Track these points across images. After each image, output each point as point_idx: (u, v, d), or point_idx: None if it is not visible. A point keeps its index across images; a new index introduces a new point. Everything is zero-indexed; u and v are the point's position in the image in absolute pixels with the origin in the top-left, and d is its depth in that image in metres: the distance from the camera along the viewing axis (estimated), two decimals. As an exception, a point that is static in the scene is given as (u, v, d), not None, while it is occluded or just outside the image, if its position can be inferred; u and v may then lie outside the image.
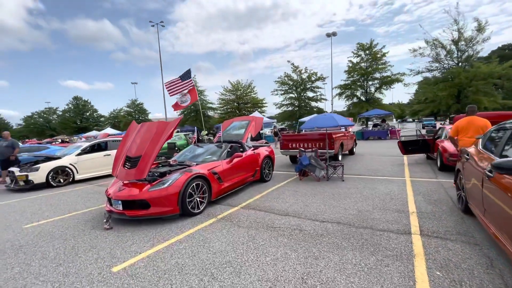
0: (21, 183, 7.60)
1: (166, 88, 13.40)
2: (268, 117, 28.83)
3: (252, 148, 6.85)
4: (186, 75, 13.23)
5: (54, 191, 7.50)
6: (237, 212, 4.61)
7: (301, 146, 9.13)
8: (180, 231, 3.86)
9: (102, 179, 9.12)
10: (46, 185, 7.86)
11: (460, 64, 21.34)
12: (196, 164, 5.23)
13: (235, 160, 5.79)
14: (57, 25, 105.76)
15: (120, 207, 4.18)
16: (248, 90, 37.04)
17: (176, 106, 14.64)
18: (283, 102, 31.95)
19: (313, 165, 6.73)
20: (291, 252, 3.02)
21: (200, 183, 4.65)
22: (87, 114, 53.07)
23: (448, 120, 25.76)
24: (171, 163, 5.26)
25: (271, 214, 4.42)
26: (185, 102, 13.86)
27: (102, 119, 53.72)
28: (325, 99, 29.87)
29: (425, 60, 22.99)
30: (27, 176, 7.55)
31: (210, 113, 40.34)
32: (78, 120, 51.44)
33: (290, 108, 32.17)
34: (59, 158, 8.38)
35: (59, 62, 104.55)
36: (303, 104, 30.41)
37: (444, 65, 22.01)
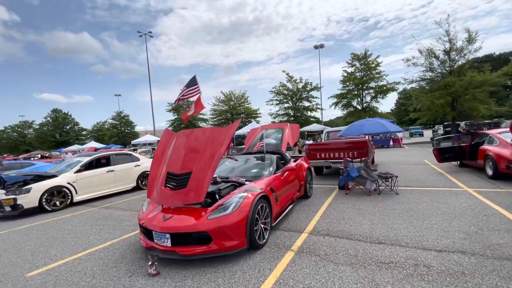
0: (7, 208, 6.18)
1: (174, 103, 12.41)
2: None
3: (293, 160, 5.95)
4: (192, 82, 12.34)
5: (50, 217, 6.14)
6: (310, 241, 3.64)
7: (330, 156, 8.36)
8: (259, 274, 2.84)
9: (103, 199, 7.79)
10: (38, 210, 6.47)
11: (452, 73, 21.87)
12: (246, 181, 4.25)
13: (286, 174, 4.87)
14: (33, 37, 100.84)
15: (168, 243, 3.10)
16: (242, 100, 36.34)
17: (183, 115, 13.62)
18: (278, 112, 31.49)
19: (363, 177, 5.92)
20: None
21: (264, 204, 3.68)
22: (68, 127, 49.88)
23: (442, 128, 26.24)
24: (217, 179, 4.24)
25: (359, 241, 3.50)
26: (191, 111, 12.86)
27: (84, 132, 50.67)
28: (322, 109, 29.79)
29: (419, 69, 23.47)
30: (15, 199, 6.15)
31: (202, 124, 39.09)
32: (57, 134, 48.13)
33: (285, 118, 31.69)
34: (53, 176, 7.02)
35: (34, 74, 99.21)
36: (298, 114, 30.06)
37: (437, 74, 22.49)
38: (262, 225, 3.57)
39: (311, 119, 30.28)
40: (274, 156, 5.24)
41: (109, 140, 44.30)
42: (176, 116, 37.82)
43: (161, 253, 3.15)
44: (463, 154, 8.24)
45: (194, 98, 12.52)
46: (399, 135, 20.45)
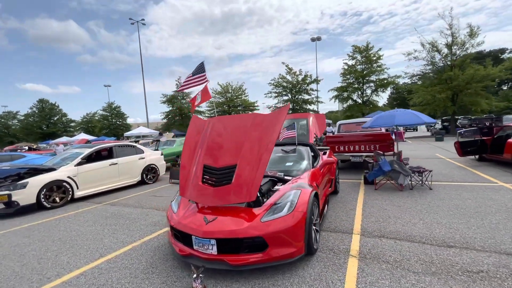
0: (0, 205, 5.48)
1: (178, 89, 11.72)
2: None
3: (323, 153, 5.48)
4: (199, 69, 11.57)
5: (50, 215, 5.49)
6: (367, 244, 3.19)
7: (349, 149, 7.95)
8: None
9: (106, 195, 7.14)
10: (36, 207, 5.79)
11: (453, 67, 21.80)
12: (285, 175, 3.75)
13: (324, 167, 4.39)
14: (15, 24, 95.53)
15: (214, 250, 2.57)
16: (239, 92, 35.49)
17: (192, 105, 12.85)
18: (277, 105, 30.89)
19: (396, 171, 5.51)
20: None
21: (316, 203, 3.19)
22: (55, 118, 47.73)
23: (440, 122, 26.37)
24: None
25: (424, 244, 3.08)
26: (197, 100, 12.15)
27: (72, 124, 48.68)
28: (321, 102, 29.42)
29: (419, 63, 23.37)
30: (9, 196, 5.45)
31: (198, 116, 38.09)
32: (44, 125, 46.03)
33: (283, 111, 31.18)
34: (51, 169, 6.31)
35: (17, 63, 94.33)
36: (297, 107, 29.58)
37: (439, 68, 22.39)
38: (313, 227, 3.09)
39: (311, 112, 29.89)
40: (308, 148, 4.73)
41: (100, 132, 42.70)
42: (170, 108, 36.67)
43: (203, 262, 2.62)
44: (485, 148, 7.98)
45: (201, 87, 11.86)
46: (400, 129, 20.33)
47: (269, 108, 32.34)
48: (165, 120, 38.63)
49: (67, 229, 4.49)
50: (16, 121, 49.18)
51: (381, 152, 5.97)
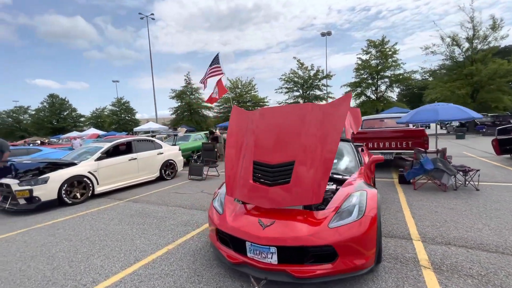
0: (22, 201, 5.27)
1: (200, 82, 11.42)
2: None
3: (360, 149, 5.09)
4: (214, 61, 11.20)
5: (72, 211, 5.25)
6: (435, 252, 2.82)
7: (379, 145, 7.53)
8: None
9: (126, 191, 6.90)
10: (58, 203, 5.57)
11: (473, 62, 20.94)
12: (334, 174, 3.38)
13: (372, 166, 4.01)
14: (25, 20, 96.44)
15: (274, 259, 2.24)
16: (249, 88, 35.03)
17: (209, 99, 12.52)
18: (287, 101, 30.38)
19: (440, 170, 5.10)
20: None
21: (378, 206, 2.82)
22: (65, 113, 48.13)
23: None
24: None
25: (505, 255, 2.69)
26: (216, 94, 11.82)
27: (82, 119, 49.03)
28: (333, 98, 28.69)
29: (437, 58, 22.53)
30: (31, 191, 5.22)
31: (206, 112, 37.87)
32: (54, 120, 46.46)
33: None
34: (72, 163, 6.07)
35: (27, 59, 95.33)
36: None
37: (459, 63, 21.54)
38: (375, 232, 2.73)
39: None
40: (351, 144, 4.36)
41: (109, 127, 42.92)
42: (179, 104, 36.48)
43: (259, 272, 2.30)
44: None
45: (216, 78, 11.53)
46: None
47: (279, 104, 31.86)
48: (173, 116, 38.52)
49: (93, 228, 4.23)
50: (27, 115, 49.81)
51: (423, 149, 5.55)
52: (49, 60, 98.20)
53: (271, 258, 2.26)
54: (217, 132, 13.47)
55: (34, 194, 5.25)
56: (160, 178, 8.05)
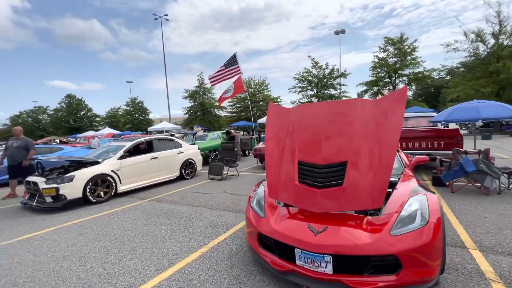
0: (48, 199, 5.27)
1: (210, 80, 11.31)
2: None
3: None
4: (232, 61, 11.07)
5: (97, 210, 5.21)
6: (500, 264, 2.54)
7: (409, 145, 7.17)
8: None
9: (147, 190, 6.85)
10: (83, 202, 5.56)
11: (499, 59, 19.94)
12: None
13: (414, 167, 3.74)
14: (43, 24, 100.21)
15: (329, 269, 2.04)
16: (262, 87, 34.85)
17: (220, 99, 12.50)
18: (301, 100, 29.97)
19: (482, 172, 4.74)
20: None
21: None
22: (81, 113, 49.47)
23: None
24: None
25: None
26: (229, 92, 11.72)
27: (97, 118, 50.25)
28: (348, 97, 28.09)
29: (460, 55, 21.60)
30: (57, 189, 5.22)
31: (218, 112, 37.94)
32: (71, 119, 47.83)
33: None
34: (95, 162, 6.06)
35: (45, 61, 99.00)
36: (322, 102, 28.40)
37: (483, 60, 20.58)
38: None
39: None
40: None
41: (123, 126, 43.72)
42: (192, 104, 36.72)
43: (311, 282, 2.11)
44: None
45: (234, 79, 11.41)
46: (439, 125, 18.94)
47: (292, 104, 31.50)
48: (186, 116, 38.82)
49: (120, 228, 4.15)
50: (46, 115, 51.52)
51: (463, 150, 5.19)
52: (66, 62, 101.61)
53: (325, 267, 2.05)
54: (234, 132, 13.35)
55: (60, 192, 5.24)
56: (180, 178, 7.98)
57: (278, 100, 35.08)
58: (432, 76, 24.03)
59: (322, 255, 2.06)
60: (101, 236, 3.84)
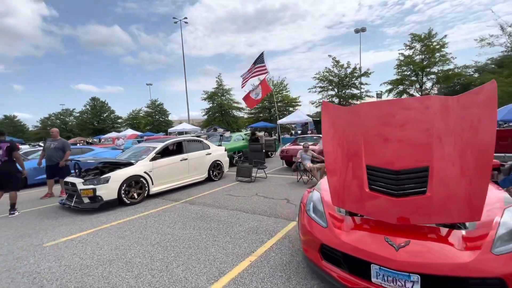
0: (86, 200, 5.33)
1: (242, 80, 11.27)
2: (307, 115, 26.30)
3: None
4: (259, 60, 10.93)
5: (132, 212, 5.20)
6: None
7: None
8: None
9: (176, 192, 6.80)
10: (117, 203, 5.58)
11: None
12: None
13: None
14: (69, 31, 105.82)
15: (416, 290, 1.78)
16: (280, 87, 34.57)
17: (248, 101, 12.30)
18: (320, 100, 29.34)
19: (551, 177, 4.23)
20: None
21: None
22: (104, 115, 51.44)
23: None
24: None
25: None
26: (258, 95, 11.58)
27: (119, 120, 52.05)
28: (372, 96, 27.17)
29: (495, 50, 20.20)
30: (94, 190, 5.27)
31: (237, 113, 38.05)
32: (95, 121, 49.86)
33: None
34: (130, 163, 6.08)
35: (70, 66, 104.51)
36: (343, 102, 27.74)
37: (521, 55, 19.10)
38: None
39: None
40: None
41: (144, 128, 44.93)
42: (211, 105, 37.06)
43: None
44: None
45: (262, 77, 11.27)
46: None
47: (312, 103, 30.96)
48: (204, 117, 39.28)
49: (159, 231, 4.06)
50: (72, 117, 54.09)
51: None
52: (89, 66, 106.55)
53: (410, 288, 1.79)
54: (258, 133, 13.19)
55: (97, 193, 5.28)
56: (208, 179, 7.90)
57: (298, 100, 34.65)
58: (464, 73, 22.55)
59: (408, 274, 1.80)
60: (142, 239, 3.77)
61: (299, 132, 20.80)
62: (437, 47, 22.72)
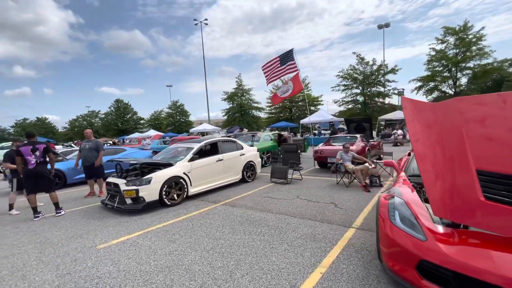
0: (128, 201, 5.31)
1: (264, 72, 10.98)
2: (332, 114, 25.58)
3: None
4: (287, 57, 10.64)
5: (174, 214, 5.10)
6: None
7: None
8: None
9: (212, 193, 6.67)
10: (159, 204, 5.52)
11: None
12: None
13: None
14: (94, 37, 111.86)
15: None
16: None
17: (275, 98, 12.21)
18: (344, 99, 28.54)
19: None
20: None
21: None
22: (128, 116, 53.21)
23: None
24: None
25: None
26: (287, 92, 11.31)
27: (142, 121, 53.64)
28: (398, 94, 25.96)
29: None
30: (137, 191, 5.23)
31: (256, 113, 37.91)
32: (119, 122, 51.69)
33: (350, 106, 28.66)
34: (169, 164, 6.01)
35: (95, 70, 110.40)
36: (369, 101, 26.73)
37: None
38: None
39: (386, 106, 26.73)
40: None
41: (165, 128, 45.99)
42: (231, 105, 37.19)
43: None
44: None
45: (291, 75, 10.93)
46: None
47: (335, 102, 30.15)
48: (224, 117, 39.49)
49: (209, 236, 3.90)
50: (98, 119, 56.46)
51: None
52: (112, 70, 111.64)
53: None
54: (285, 134, 12.89)
55: (140, 194, 5.24)
56: (242, 180, 7.73)
57: (320, 99, 33.90)
58: (505, 68, 20.88)
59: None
60: (194, 244, 3.62)
61: (324, 132, 20.24)
62: (474, 40, 21.22)
